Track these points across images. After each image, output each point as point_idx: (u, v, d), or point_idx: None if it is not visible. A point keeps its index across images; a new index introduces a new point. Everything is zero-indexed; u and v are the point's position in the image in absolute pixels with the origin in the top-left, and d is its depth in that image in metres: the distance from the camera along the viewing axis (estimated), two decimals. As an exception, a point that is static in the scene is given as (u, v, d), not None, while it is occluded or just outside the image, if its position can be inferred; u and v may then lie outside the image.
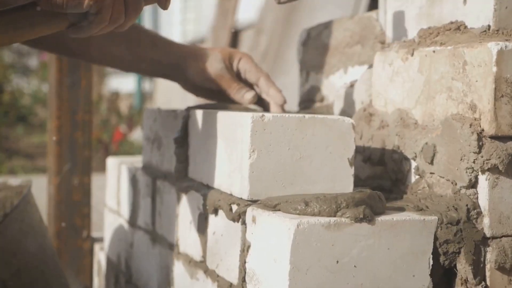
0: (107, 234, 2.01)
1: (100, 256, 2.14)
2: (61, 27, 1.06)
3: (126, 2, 1.06)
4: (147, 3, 1.12)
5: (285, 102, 1.45)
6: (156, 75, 1.56)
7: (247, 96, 1.42)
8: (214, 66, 1.45)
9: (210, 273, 1.27)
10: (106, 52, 1.48)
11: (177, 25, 8.88)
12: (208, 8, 7.17)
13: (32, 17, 1.03)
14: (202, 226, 1.30)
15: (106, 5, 1.03)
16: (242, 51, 1.50)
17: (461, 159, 1.13)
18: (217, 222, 1.24)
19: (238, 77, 1.48)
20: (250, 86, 1.49)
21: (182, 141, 1.41)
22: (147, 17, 9.93)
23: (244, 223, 1.13)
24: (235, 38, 5.86)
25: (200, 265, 1.31)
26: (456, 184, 1.15)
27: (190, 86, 1.53)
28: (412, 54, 1.27)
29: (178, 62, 1.48)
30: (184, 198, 1.38)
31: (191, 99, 3.35)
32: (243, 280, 1.13)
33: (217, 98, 1.52)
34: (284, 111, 1.45)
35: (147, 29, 1.55)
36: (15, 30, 1.03)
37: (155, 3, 1.13)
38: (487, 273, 1.13)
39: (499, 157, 1.10)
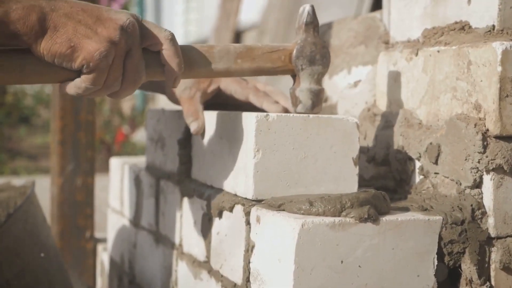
0: (111, 235, 2.01)
1: (103, 257, 2.14)
2: (53, 79, 1.01)
3: (125, 70, 1.01)
4: (150, 78, 1.07)
5: (283, 110, 1.34)
6: (142, 89, 1.52)
7: (192, 126, 1.30)
8: (178, 87, 1.36)
9: (214, 273, 1.26)
10: None
11: (179, 26, 8.88)
12: (210, 9, 7.17)
13: (23, 65, 0.98)
14: (206, 226, 1.30)
15: (100, 67, 0.97)
16: None
17: (466, 159, 1.13)
18: (221, 223, 1.23)
19: (229, 101, 1.38)
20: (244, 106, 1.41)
21: (186, 141, 1.41)
22: (149, 18, 9.94)
23: (248, 223, 1.13)
24: (237, 39, 5.86)
25: (204, 265, 1.31)
26: (460, 184, 1.15)
27: (176, 100, 1.44)
28: (417, 54, 1.27)
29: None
30: (187, 199, 1.38)
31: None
32: (247, 280, 1.13)
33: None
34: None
35: None
36: (4, 73, 0.97)
37: (161, 80, 1.08)
38: (492, 273, 1.13)
39: (504, 157, 1.10)
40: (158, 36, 1.04)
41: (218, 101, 1.38)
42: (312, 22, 1.17)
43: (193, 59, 1.10)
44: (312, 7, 1.19)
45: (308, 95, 1.16)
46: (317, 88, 1.17)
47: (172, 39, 1.05)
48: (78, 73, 0.99)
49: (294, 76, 1.19)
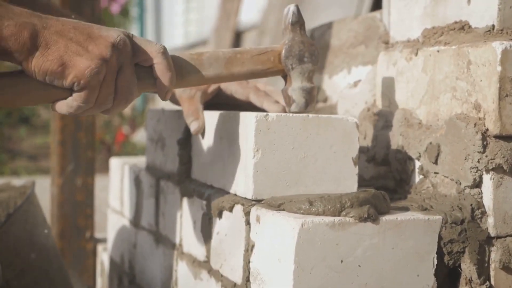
0: (111, 235, 2.01)
1: (103, 257, 2.14)
2: (46, 100, 1.00)
3: (117, 87, 1.01)
4: (142, 91, 1.07)
5: (283, 110, 1.33)
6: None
7: (192, 126, 1.30)
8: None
9: (214, 273, 1.26)
10: None
11: (179, 26, 8.88)
12: (210, 9, 7.17)
13: (15, 85, 0.97)
14: (206, 226, 1.30)
15: (91, 85, 0.97)
16: None
17: (466, 159, 1.13)
18: (221, 222, 1.23)
19: (229, 101, 1.38)
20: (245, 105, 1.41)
21: (186, 141, 1.41)
22: (149, 18, 9.94)
23: (248, 223, 1.13)
24: (237, 39, 5.86)
25: (204, 265, 1.31)
26: (460, 183, 1.15)
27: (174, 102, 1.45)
28: (416, 54, 1.27)
29: None
30: (187, 199, 1.38)
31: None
32: (247, 280, 1.13)
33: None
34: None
35: None
36: None
37: (153, 92, 1.08)
38: (492, 273, 1.13)
39: (503, 157, 1.10)
40: (150, 51, 1.04)
41: (218, 101, 1.38)
42: (298, 21, 1.18)
43: (183, 68, 1.10)
44: (297, 6, 1.19)
45: (300, 94, 1.17)
46: (309, 86, 1.17)
47: (164, 52, 1.05)
48: (70, 92, 0.99)
49: (285, 77, 1.19)
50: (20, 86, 0.98)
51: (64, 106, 1.00)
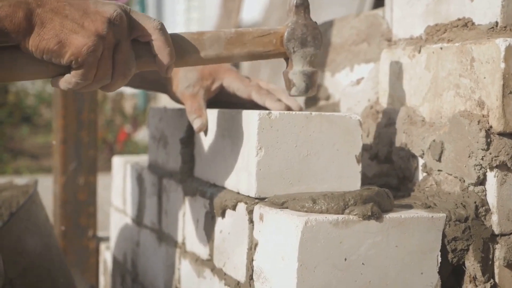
0: (113, 233, 2.01)
1: (106, 255, 2.14)
2: (44, 75, 1.00)
3: (115, 63, 1.01)
4: (141, 69, 1.06)
5: (285, 108, 1.33)
6: (143, 88, 1.52)
7: (195, 123, 1.29)
8: (180, 83, 1.36)
9: (217, 272, 1.26)
10: None
11: (181, 25, 8.88)
12: (212, 8, 7.17)
13: (14, 61, 0.97)
14: (209, 224, 1.30)
15: (89, 62, 0.97)
16: (226, 67, 1.38)
17: (469, 156, 1.13)
18: (224, 221, 1.23)
19: (231, 99, 1.38)
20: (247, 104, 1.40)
21: (188, 140, 1.41)
22: (151, 17, 9.94)
23: (251, 221, 1.13)
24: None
25: (207, 264, 1.31)
26: (464, 181, 1.14)
27: (175, 100, 1.45)
28: (419, 51, 1.26)
29: (160, 79, 1.39)
30: (190, 197, 1.38)
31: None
32: (250, 278, 1.13)
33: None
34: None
35: None
36: None
37: (153, 69, 1.08)
38: (496, 270, 1.12)
39: (507, 154, 1.10)
40: (147, 27, 1.03)
41: (221, 98, 1.38)
42: (302, 4, 1.16)
43: (183, 47, 1.09)
44: None
45: (301, 78, 1.15)
46: (311, 70, 1.15)
47: (161, 28, 1.04)
48: (69, 67, 0.99)
49: (287, 60, 1.17)
50: (19, 61, 0.97)
51: (63, 82, 1.00)
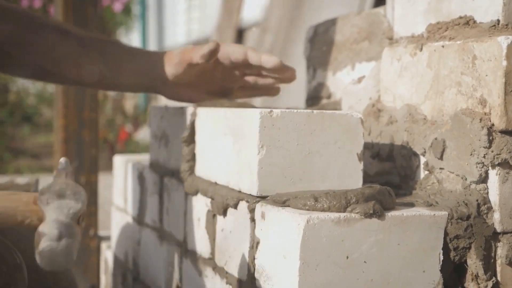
0: (114, 232, 2.01)
1: (107, 255, 2.14)
2: None
3: None
4: None
5: (280, 62, 1.37)
6: (137, 86, 1.51)
7: (208, 46, 1.34)
8: (174, 51, 1.41)
9: (219, 270, 1.26)
10: (83, 70, 1.41)
11: (182, 24, 8.88)
12: (212, 7, 7.17)
13: None
14: (210, 223, 1.30)
15: None
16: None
17: (471, 154, 1.13)
18: (226, 219, 1.23)
19: (226, 66, 1.42)
20: (242, 71, 1.45)
21: (190, 138, 1.41)
22: (151, 16, 9.94)
23: (253, 219, 1.13)
24: (240, 37, 5.86)
25: (208, 262, 1.31)
26: (466, 179, 1.14)
27: (171, 89, 1.47)
28: (421, 49, 1.26)
29: (154, 67, 1.42)
30: (191, 196, 1.38)
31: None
32: (252, 276, 1.13)
33: (199, 95, 1.48)
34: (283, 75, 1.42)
35: (120, 42, 1.51)
36: None
37: None
38: (498, 269, 1.12)
39: (509, 152, 1.10)
40: None
41: (215, 74, 1.43)
42: (65, 169, 1.06)
43: None
44: (66, 160, 1.09)
45: (53, 225, 0.94)
46: (67, 221, 0.96)
47: None
48: None
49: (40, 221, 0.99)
50: None
51: None
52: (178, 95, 1.49)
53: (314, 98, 1.69)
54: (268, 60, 1.34)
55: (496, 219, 1.12)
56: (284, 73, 1.42)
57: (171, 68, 1.42)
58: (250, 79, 1.49)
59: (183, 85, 1.45)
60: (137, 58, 1.44)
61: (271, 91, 1.53)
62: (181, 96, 1.49)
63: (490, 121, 1.11)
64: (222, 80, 1.47)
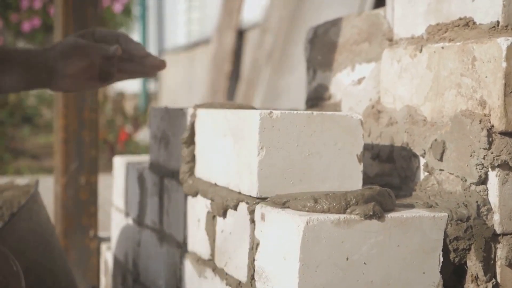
0: (114, 233, 2.01)
1: (107, 256, 2.14)
2: None
3: None
4: None
5: (145, 52, 1.42)
6: (28, 83, 1.47)
7: (106, 53, 1.38)
8: (67, 39, 1.43)
9: (219, 271, 1.26)
10: None
11: (182, 25, 8.88)
12: (213, 8, 7.17)
13: None
14: (210, 224, 1.30)
15: None
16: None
17: (471, 156, 1.13)
18: (226, 221, 1.23)
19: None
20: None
21: (190, 139, 1.41)
22: (151, 17, 9.94)
23: (253, 220, 1.13)
24: (240, 37, 5.86)
25: (208, 264, 1.31)
26: (466, 180, 1.14)
27: (61, 80, 1.45)
28: (421, 51, 1.26)
29: (45, 61, 1.41)
30: (191, 197, 1.38)
31: (196, 100, 3.34)
32: (252, 278, 1.13)
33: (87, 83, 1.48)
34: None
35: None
36: None
37: None
38: (498, 270, 1.12)
39: (509, 153, 1.10)
40: None
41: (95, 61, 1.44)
42: None
43: None
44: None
45: None
46: None
47: None
48: None
49: None
50: None
51: None
52: (65, 87, 1.47)
53: (314, 99, 1.69)
54: (136, 49, 1.40)
55: (496, 221, 1.12)
56: (153, 62, 1.45)
57: (61, 63, 1.41)
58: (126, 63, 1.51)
59: (69, 77, 1.44)
60: (25, 55, 1.44)
61: (148, 74, 1.53)
62: (68, 87, 1.47)
63: (490, 122, 1.11)
64: (100, 65, 1.47)
